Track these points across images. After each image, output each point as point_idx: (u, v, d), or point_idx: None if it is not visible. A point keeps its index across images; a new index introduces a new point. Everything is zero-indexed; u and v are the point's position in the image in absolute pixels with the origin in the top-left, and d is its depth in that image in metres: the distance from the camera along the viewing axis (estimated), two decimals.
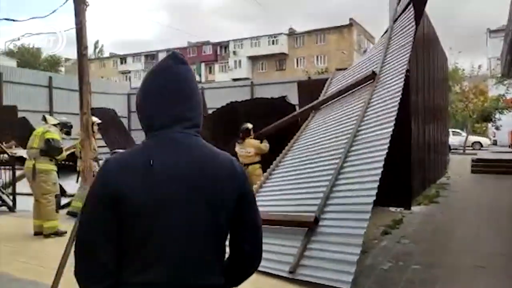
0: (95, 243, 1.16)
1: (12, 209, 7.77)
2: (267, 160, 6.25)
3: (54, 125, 6.17)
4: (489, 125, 29.05)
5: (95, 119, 7.01)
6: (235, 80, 40.17)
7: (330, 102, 6.47)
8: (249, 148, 7.13)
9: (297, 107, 8.13)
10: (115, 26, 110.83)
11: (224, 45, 55.88)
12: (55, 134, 5.96)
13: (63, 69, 60.78)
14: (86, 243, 1.17)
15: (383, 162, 3.94)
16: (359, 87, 5.93)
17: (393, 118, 4.40)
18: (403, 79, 4.92)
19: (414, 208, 7.74)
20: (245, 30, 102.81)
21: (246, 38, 54.08)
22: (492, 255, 5.07)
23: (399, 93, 4.71)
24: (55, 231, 5.86)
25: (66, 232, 5.71)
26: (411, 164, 7.00)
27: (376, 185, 3.78)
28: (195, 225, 1.18)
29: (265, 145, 7.19)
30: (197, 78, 55.10)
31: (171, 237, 1.15)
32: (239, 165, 1.31)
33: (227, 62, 54.82)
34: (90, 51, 56.52)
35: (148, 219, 1.14)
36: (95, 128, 6.96)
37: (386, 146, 4.11)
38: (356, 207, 3.79)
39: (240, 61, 53.89)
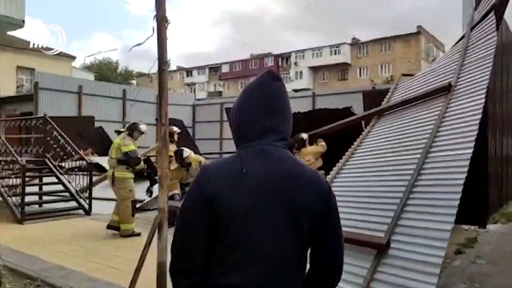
0: (189, 242, 1.26)
1: (88, 212, 8.37)
2: (328, 164, 6.12)
3: (128, 134, 6.65)
4: None
5: (175, 128, 7.53)
6: (296, 91, 40.17)
7: (395, 110, 6.20)
8: (307, 157, 7.10)
9: (359, 114, 7.92)
10: (181, 39, 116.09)
11: (286, 57, 56.26)
12: (130, 145, 6.47)
13: (134, 82, 64.88)
14: (182, 241, 1.27)
15: (462, 187, 3.65)
16: (429, 98, 5.61)
17: (473, 139, 4.07)
18: (484, 95, 4.52)
19: (490, 226, 7.17)
20: (307, 40, 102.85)
21: (308, 49, 54.02)
22: None
23: (480, 111, 4.33)
24: (130, 233, 6.41)
25: (140, 234, 6.25)
26: (488, 179, 6.50)
27: (454, 211, 3.51)
28: (281, 233, 1.23)
29: (321, 145, 7.15)
30: None
31: (258, 244, 1.21)
32: (323, 176, 1.37)
33: (288, 73, 55.07)
34: None
35: (237, 225, 1.21)
36: (176, 136, 7.52)
37: (465, 169, 3.82)
38: (432, 233, 3.51)
39: (301, 72, 53.90)
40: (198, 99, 39.73)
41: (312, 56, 53.44)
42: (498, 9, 6.08)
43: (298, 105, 17.67)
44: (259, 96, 1.33)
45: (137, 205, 7.09)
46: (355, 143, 5.87)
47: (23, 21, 8.65)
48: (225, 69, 61.52)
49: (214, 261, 1.24)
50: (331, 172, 5.54)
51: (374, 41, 49.89)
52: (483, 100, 4.46)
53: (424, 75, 6.90)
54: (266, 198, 1.22)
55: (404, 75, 8.61)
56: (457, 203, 3.57)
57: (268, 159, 1.27)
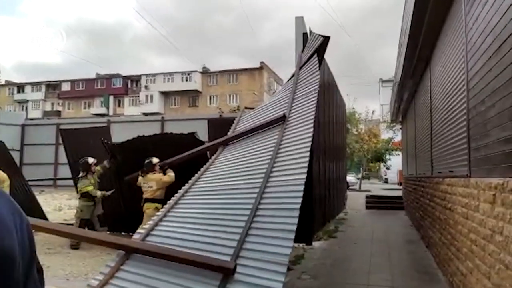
0: None
1: None
2: (174, 192, 6.04)
3: None
4: (381, 164, 32.00)
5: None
6: (146, 114, 39.22)
7: (239, 139, 6.61)
8: (151, 182, 6.99)
9: (206, 144, 8.16)
10: (22, 48, 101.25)
11: (136, 79, 54.69)
12: None
13: None
14: None
15: (298, 212, 4.00)
16: (268, 128, 6.17)
17: (305, 168, 4.53)
18: (312, 126, 5.18)
19: (315, 243, 8.09)
20: (165, 64, 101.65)
21: (159, 73, 53.63)
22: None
23: (310, 140, 4.92)
24: None
25: None
26: (313, 201, 7.38)
27: (292, 235, 3.79)
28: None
29: (169, 176, 7.09)
30: (104, 110, 52.79)
31: None
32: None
33: (138, 96, 53.54)
34: None
35: None
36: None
37: (300, 194, 4.20)
38: (272, 257, 3.70)
39: (152, 96, 52.96)
40: (31, 119, 35.31)
41: (164, 80, 53.17)
42: (319, 53, 7.15)
43: (147, 129, 17.18)
44: None
45: None
46: (202, 169, 5.97)
47: None
48: (66, 87, 56.32)
49: None
50: (175, 195, 5.43)
51: (223, 72, 52.58)
52: (311, 131, 5.12)
53: (264, 108, 7.57)
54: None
55: (246, 108, 9.32)
56: (295, 227, 3.86)
57: None
